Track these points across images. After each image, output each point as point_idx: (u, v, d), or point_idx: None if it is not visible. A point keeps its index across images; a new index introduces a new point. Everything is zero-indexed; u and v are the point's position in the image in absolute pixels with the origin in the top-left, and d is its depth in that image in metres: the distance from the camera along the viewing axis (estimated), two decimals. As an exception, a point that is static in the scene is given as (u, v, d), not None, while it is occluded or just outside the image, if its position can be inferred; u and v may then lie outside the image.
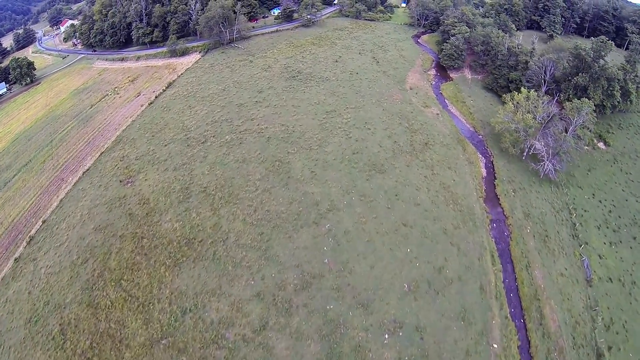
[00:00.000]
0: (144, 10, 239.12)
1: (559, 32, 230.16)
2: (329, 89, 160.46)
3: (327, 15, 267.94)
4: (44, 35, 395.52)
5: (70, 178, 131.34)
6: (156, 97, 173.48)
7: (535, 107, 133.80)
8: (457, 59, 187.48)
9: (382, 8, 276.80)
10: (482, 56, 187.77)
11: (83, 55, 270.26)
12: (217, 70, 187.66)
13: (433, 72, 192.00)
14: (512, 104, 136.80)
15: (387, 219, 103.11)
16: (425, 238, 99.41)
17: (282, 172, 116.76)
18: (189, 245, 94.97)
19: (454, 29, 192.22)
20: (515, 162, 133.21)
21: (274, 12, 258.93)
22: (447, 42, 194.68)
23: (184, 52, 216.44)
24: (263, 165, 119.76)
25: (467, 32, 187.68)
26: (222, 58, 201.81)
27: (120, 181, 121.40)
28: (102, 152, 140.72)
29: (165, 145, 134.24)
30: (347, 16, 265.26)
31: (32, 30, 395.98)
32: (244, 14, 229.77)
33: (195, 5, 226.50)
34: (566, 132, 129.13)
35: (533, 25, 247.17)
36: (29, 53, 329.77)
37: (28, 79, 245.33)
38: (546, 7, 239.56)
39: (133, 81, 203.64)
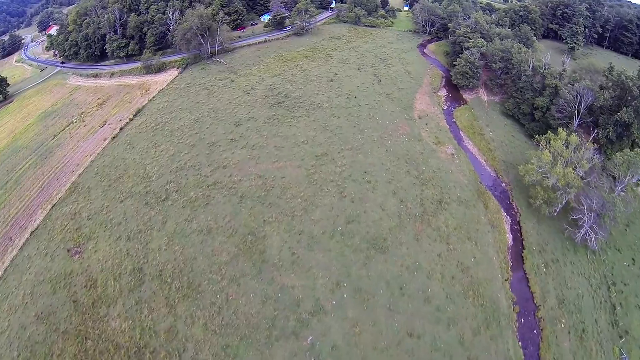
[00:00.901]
0: (118, 21, 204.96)
1: (581, 44, 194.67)
2: (321, 120, 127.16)
3: (323, 21, 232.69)
4: (31, 41, 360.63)
5: (18, 239, 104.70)
6: (121, 128, 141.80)
7: (577, 156, 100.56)
8: (472, 77, 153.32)
9: (383, 12, 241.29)
10: (500, 74, 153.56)
11: (60, 68, 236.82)
12: (193, 93, 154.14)
13: (444, 92, 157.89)
14: (549, 150, 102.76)
15: (389, 327, 73.76)
16: (435, 352, 71.12)
17: (255, 252, 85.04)
18: (139, 356, 72.85)
19: (468, 42, 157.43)
20: (546, 222, 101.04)
21: (264, 19, 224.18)
22: (459, 57, 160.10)
23: (160, 68, 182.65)
24: (232, 240, 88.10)
25: (483, 46, 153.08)
26: (200, 76, 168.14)
27: (68, 250, 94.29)
28: (54, 205, 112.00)
29: (122, 202, 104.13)
30: (345, 22, 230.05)
31: (18, 37, 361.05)
32: (228, 22, 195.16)
33: (173, 14, 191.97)
34: (612, 188, 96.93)
35: (550, 34, 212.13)
36: (12, 62, 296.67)
37: (0, 96, 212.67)
38: (565, 14, 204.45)
39: (102, 105, 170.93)
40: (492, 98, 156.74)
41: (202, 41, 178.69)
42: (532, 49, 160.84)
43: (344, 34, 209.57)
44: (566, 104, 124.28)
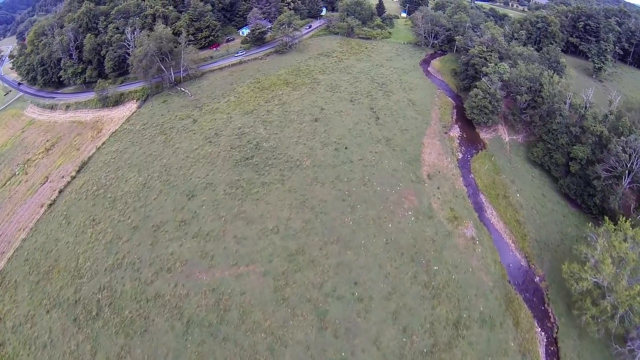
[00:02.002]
0: (73, 43, 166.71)
1: (610, 65, 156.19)
2: (299, 189, 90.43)
3: (311, 33, 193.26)
4: (8, 56, 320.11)
5: None
6: (60, 191, 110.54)
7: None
8: (492, 112, 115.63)
9: (379, 21, 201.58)
10: (525, 107, 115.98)
11: (21, 94, 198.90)
12: (148, 139, 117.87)
13: (457, 130, 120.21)
14: (609, 255, 66.53)
15: None
16: None
17: None
18: None
19: (487, 66, 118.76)
20: (591, 344, 69.05)
21: (242, 33, 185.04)
22: (474, 85, 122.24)
23: (118, 101, 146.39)
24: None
25: (506, 72, 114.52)
26: (160, 112, 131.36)
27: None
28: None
29: (48, 312, 77.47)
30: (337, 33, 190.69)
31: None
32: (198, 40, 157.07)
33: (132, 35, 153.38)
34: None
35: (569, 49, 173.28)
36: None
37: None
38: (588, 27, 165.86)
39: (49, 150, 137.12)
40: (514, 137, 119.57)
41: (163, 67, 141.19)
42: (564, 75, 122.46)
43: (335, 49, 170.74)
44: (617, 161, 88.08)
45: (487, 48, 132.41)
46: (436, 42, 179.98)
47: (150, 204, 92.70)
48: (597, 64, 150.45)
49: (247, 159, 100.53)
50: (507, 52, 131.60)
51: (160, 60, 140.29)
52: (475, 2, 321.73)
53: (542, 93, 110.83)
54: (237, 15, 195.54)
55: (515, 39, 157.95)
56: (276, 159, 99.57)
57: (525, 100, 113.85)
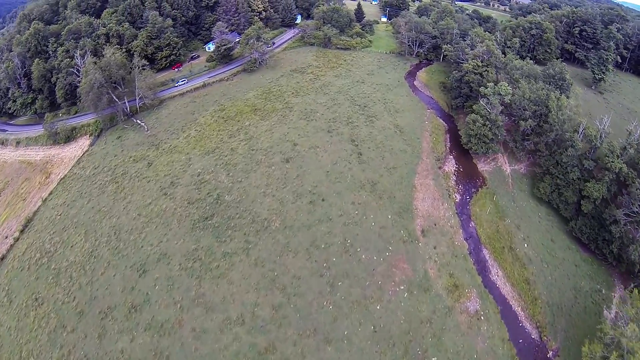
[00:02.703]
0: (20, 70, 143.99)
1: (612, 75, 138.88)
2: (268, 262, 71.61)
3: (284, 45, 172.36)
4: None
5: None
6: (2, 257, 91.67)
7: None
8: (492, 141, 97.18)
9: (358, 28, 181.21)
10: (529, 133, 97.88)
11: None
12: (98, 188, 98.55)
13: (452, 163, 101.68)
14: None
15: None
16: None
17: None
18: None
19: (485, 86, 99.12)
20: None
21: (209, 48, 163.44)
22: (471, 108, 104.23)
23: (69, 137, 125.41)
24: None
25: (507, 95, 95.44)
26: (113, 152, 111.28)
27: None
28: None
29: None
30: (312, 44, 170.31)
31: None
32: (149, 65, 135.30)
33: (81, 60, 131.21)
34: None
35: (564, 55, 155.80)
36: None
37: None
38: (584, 33, 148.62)
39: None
40: (515, 167, 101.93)
41: (115, 98, 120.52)
42: (570, 94, 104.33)
43: (310, 64, 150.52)
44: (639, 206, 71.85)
45: (482, 62, 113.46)
46: (421, 50, 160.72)
47: (97, 281, 74.67)
48: (598, 74, 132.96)
49: (207, 218, 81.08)
50: (505, 66, 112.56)
51: (111, 90, 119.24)
52: (456, 2, 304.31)
53: (549, 118, 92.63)
54: (203, 29, 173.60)
55: (508, 47, 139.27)
56: (240, 217, 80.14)
57: (530, 126, 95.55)
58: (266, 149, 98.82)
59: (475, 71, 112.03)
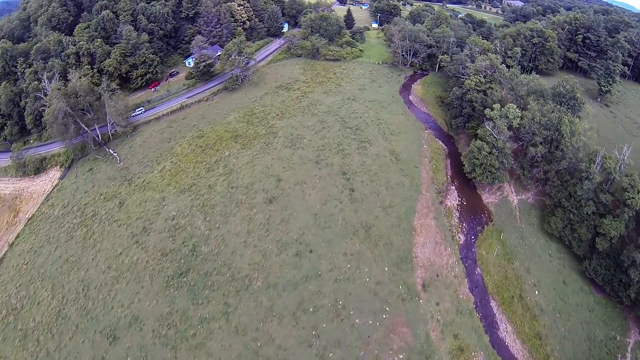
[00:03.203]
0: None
1: (619, 87, 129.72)
2: (250, 328, 62.50)
3: (269, 58, 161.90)
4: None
5: None
6: None
7: None
8: (498, 170, 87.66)
9: (348, 37, 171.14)
10: (538, 159, 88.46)
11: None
12: (66, 232, 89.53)
13: (454, 196, 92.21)
14: None
15: None
16: None
17: None
18: None
19: (492, 109, 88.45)
20: None
21: (189, 63, 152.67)
22: (474, 132, 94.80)
23: (39, 168, 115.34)
24: None
25: (516, 118, 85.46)
26: (84, 188, 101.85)
27: None
28: None
29: None
30: (300, 56, 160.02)
31: None
32: (121, 86, 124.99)
33: (49, 83, 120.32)
34: None
35: (565, 65, 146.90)
36: None
37: None
38: (587, 41, 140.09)
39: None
40: (523, 197, 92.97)
41: (84, 126, 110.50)
42: (581, 113, 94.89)
43: (297, 78, 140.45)
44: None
45: (485, 77, 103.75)
46: (416, 60, 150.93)
47: (65, 347, 66.20)
48: (604, 86, 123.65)
49: (182, 274, 71.63)
50: (510, 82, 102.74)
51: (79, 117, 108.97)
52: (447, 5, 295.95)
53: (561, 145, 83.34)
54: (183, 42, 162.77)
55: (509, 57, 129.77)
56: (218, 274, 70.63)
57: (540, 153, 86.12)
58: (247, 185, 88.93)
59: (478, 88, 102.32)
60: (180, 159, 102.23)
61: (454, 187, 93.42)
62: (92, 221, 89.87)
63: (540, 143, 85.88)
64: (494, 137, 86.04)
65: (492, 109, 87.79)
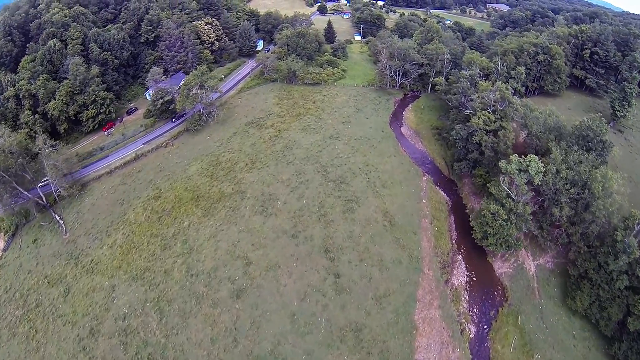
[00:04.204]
0: None
1: (634, 110, 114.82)
2: None
3: (240, 84, 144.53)
4: None
5: None
6: None
7: None
8: (517, 240, 71.96)
9: (329, 54, 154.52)
10: (558, 218, 72.65)
11: None
12: (8, 329, 73.25)
13: (461, 270, 76.24)
14: None
15: None
16: None
17: None
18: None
19: (508, 162, 70.31)
20: None
21: (149, 95, 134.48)
22: (489, 195, 77.30)
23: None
24: None
25: (538, 174, 69.15)
26: (27, 266, 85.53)
27: None
28: None
29: None
30: (274, 80, 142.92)
31: None
32: (85, 121, 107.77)
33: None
34: None
35: (572, 82, 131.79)
36: None
37: None
38: (595, 56, 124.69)
39: None
40: (540, 261, 78.26)
41: (21, 189, 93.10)
42: (607, 157, 79.48)
43: (271, 111, 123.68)
44: None
45: (494, 114, 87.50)
46: (406, 82, 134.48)
47: None
48: (620, 111, 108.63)
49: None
50: (525, 120, 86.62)
51: (14, 180, 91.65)
52: (431, 11, 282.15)
53: (592, 207, 67.69)
54: (144, 70, 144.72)
55: (512, 77, 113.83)
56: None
57: (565, 215, 70.42)
58: (209, 272, 72.48)
59: (487, 128, 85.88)
60: (133, 230, 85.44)
61: (460, 257, 77.60)
62: (36, 315, 74.14)
63: (566, 204, 70.06)
64: (512, 198, 70.07)
65: (509, 161, 71.44)
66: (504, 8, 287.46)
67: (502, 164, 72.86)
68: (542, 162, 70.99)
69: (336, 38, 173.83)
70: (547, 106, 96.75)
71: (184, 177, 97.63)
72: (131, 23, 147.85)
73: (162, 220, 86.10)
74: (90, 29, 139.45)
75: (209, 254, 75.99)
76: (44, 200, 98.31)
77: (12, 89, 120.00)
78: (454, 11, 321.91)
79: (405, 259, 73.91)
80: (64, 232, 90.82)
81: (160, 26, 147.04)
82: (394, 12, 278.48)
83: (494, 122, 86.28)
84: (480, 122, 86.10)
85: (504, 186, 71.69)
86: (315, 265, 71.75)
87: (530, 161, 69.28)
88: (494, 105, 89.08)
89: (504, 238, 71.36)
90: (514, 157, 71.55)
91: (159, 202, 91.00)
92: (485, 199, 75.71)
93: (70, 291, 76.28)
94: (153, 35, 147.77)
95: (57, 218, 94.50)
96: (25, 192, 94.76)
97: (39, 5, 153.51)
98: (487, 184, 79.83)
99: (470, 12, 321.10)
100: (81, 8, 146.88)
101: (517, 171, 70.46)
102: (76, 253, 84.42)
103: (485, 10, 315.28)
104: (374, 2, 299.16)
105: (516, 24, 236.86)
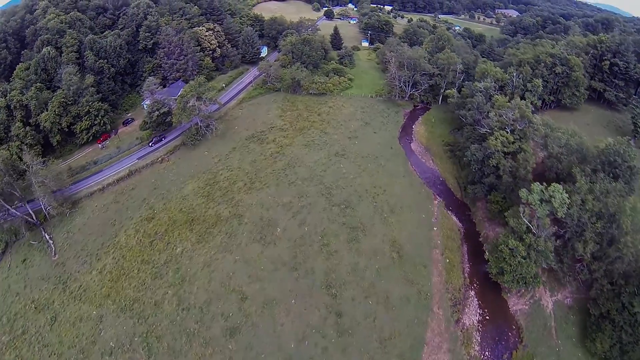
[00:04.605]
0: None
1: None
2: None
3: (242, 94, 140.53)
4: None
5: None
6: None
7: None
8: (535, 276, 67.00)
9: (335, 61, 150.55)
10: (588, 255, 67.49)
11: None
12: None
13: (473, 308, 71.21)
14: None
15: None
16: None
17: None
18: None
19: (530, 192, 65.39)
20: None
21: (146, 105, 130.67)
22: (506, 226, 72.44)
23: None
24: None
25: (562, 207, 63.85)
26: (16, 288, 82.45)
27: None
28: None
29: None
30: (278, 90, 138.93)
31: None
32: (79, 133, 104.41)
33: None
34: None
35: (590, 95, 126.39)
36: None
37: None
38: (615, 68, 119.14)
39: None
40: (558, 297, 73.11)
41: (8, 206, 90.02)
42: (635, 182, 74.19)
43: (274, 124, 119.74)
44: None
45: (513, 134, 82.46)
46: (416, 93, 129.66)
47: None
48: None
49: None
50: (545, 140, 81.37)
51: (4, 198, 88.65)
52: (439, 16, 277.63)
53: (619, 244, 62.58)
54: (142, 78, 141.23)
55: (528, 90, 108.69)
56: None
57: (589, 251, 65.36)
58: (202, 306, 68.38)
59: (506, 150, 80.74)
60: (123, 254, 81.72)
61: (473, 293, 72.75)
62: (22, 342, 70.88)
63: (593, 238, 64.96)
64: (533, 233, 65.14)
65: (530, 190, 66.37)
66: (513, 14, 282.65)
67: (523, 193, 67.72)
68: (566, 192, 65.85)
69: (343, 44, 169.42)
70: (568, 124, 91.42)
71: (179, 196, 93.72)
72: (129, 29, 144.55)
73: (154, 245, 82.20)
74: (87, 36, 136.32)
75: (201, 285, 71.84)
76: (34, 217, 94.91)
77: (2, 99, 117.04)
78: (463, 17, 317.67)
79: (413, 296, 69.11)
80: (53, 254, 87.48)
81: (159, 32, 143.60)
82: (402, 17, 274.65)
83: (513, 143, 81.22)
84: (497, 143, 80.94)
85: (524, 219, 66.70)
86: (316, 303, 67.22)
87: (553, 191, 64.18)
88: (512, 125, 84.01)
89: (521, 275, 66.40)
90: (536, 186, 66.43)
91: (152, 224, 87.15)
92: (503, 233, 70.72)
93: (57, 319, 72.98)
94: (152, 42, 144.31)
95: (47, 237, 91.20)
96: (14, 210, 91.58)
97: (35, 10, 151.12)
98: (504, 212, 74.95)
99: (478, 18, 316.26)
100: (78, 14, 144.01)
101: (538, 202, 65.38)
102: (64, 277, 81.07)
103: (494, 16, 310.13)
104: (382, 6, 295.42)
105: (527, 31, 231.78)
